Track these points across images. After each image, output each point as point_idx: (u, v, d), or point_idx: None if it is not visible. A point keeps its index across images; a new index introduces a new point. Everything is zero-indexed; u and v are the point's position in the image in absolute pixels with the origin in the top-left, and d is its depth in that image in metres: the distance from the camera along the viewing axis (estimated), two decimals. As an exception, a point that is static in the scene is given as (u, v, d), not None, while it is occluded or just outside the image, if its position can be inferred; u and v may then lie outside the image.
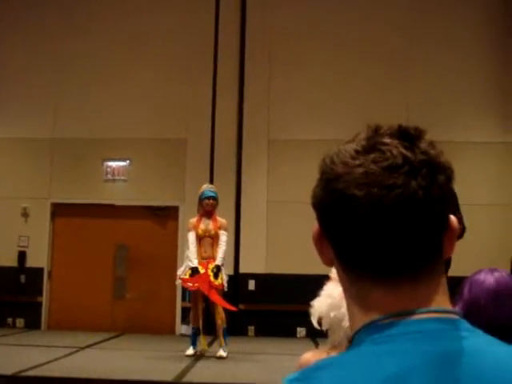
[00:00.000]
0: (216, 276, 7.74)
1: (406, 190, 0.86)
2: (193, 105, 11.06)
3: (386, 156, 0.88)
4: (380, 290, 0.89)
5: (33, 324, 10.82)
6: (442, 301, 0.90)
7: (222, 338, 7.88)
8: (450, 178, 0.93)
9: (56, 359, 7.44)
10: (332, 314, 2.60)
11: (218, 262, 7.82)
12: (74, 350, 8.33)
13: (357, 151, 0.91)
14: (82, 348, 8.57)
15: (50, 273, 11.09)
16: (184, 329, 10.42)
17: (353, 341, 0.91)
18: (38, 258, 11.01)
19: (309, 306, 2.73)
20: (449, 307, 0.91)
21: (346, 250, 0.92)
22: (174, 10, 11.27)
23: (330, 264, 0.97)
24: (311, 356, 2.66)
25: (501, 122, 10.76)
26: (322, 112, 10.84)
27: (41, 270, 11.03)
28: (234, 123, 11.02)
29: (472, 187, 10.22)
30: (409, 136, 0.92)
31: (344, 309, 1.99)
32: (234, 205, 10.69)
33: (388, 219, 0.86)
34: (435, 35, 10.94)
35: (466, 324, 0.89)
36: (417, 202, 0.86)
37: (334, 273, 2.57)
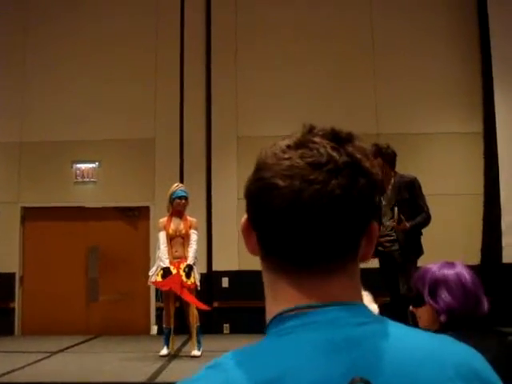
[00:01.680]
0: (188, 275, 7.74)
1: (325, 186, 0.91)
2: (160, 104, 11.04)
3: (313, 153, 0.93)
4: (290, 282, 0.95)
5: (6, 330, 10.70)
6: (349, 296, 0.94)
7: (194, 338, 7.89)
8: (372, 183, 0.95)
9: (29, 364, 7.40)
10: None
11: (190, 261, 7.82)
12: (48, 354, 8.28)
13: (288, 146, 0.97)
14: (56, 352, 8.52)
15: (21, 278, 11.00)
16: (155, 329, 10.44)
17: (265, 331, 0.97)
18: (8, 263, 10.89)
19: None
20: (356, 301, 0.95)
21: (265, 239, 0.97)
22: (140, 10, 11.25)
23: (254, 253, 1.02)
24: None
25: (467, 112, 10.88)
26: (289, 109, 10.86)
27: (12, 275, 10.93)
28: (202, 121, 11.02)
29: (440, 177, 10.35)
30: (339, 138, 0.97)
31: None
32: (205, 203, 10.69)
33: (304, 212, 0.91)
34: (402, 27, 11.03)
35: (367, 312, 0.94)
36: (334, 200, 0.91)
37: None
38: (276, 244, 0.95)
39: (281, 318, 0.94)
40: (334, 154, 0.94)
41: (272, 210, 0.93)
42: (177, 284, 7.68)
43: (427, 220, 6.65)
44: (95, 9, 11.31)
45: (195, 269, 7.89)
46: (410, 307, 2.54)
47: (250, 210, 0.98)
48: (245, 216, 1.01)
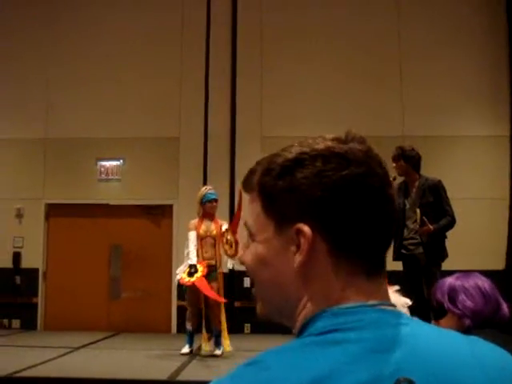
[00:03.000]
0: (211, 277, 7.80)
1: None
2: (185, 103, 11.05)
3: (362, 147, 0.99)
4: (361, 282, 0.94)
5: (29, 325, 10.80)
6: (389, 298, 0.97)
7: (223, 337, 7.88)
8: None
9: (51, 359, 7.44)
10: None
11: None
12: (70, 350, 8.32)
13: (333, 139, 1.01)
14: (78, 348, 8.56)
15: (45, 273, 11.07)
16: (175, 327, 10.48)
17: (304, 329, 0.94)
18: (32, 259, 10.99)
19: None
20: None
21: (346, 237, 0.93)
22: (166, 9, 11.27)
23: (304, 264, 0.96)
24: None
25: (493, 115, 10.78)
26: (314, 109, 10.85)
27: (36, 270, 11.01)
28: (226, 120, 11.02)
29: (466, 181, 10.26)
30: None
31: None
32: (229, 202, 10.68)
33: (390, 198, 0.95)
34: (428, 35, 10.96)
35: (404, 313, 0.95)
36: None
37: None
38: (358, 238, 0.93)
39: (320, 316, 0.93)
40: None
41: (372, 192, 0.93)
42: (201, 282, 7.69)
43: (451, 223, 6.59)
44: (122, 5, 11.35)
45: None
46: (432, 321, 2.56)
47: (331, 208, 0.93)
48: (305, 228, 0.93)
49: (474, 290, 2.41)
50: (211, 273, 7.81)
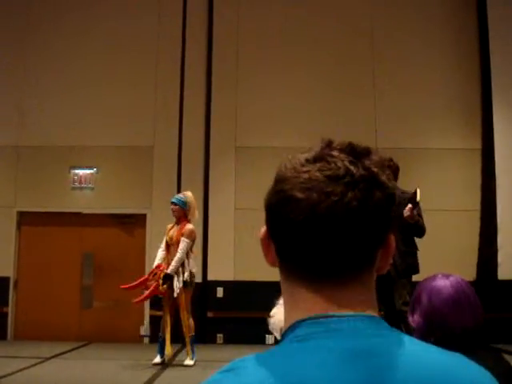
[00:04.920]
0: (163, 283, 7.76)
1: (342, 198, 0.93)
2: (160, 112, 11.05)
3: (331, 166, 0.96)
4: (309, 291, 0.96)
5: (-2, 334, 10.69)
6: (365, 307, 0.97)
7: (188, 347, 7.89)
8: (388, 196, 0.99)
9: (22, 370, 7.37)
10: None
11: (169, 269, 7.77)
12: (41, 360, 8.25)
13: (307, 159, 0.99)
14: (49, 358, 8.49)
15: (15, 282, 10.96)
16: (143, 330, 10.46)
17: (283, 338, 0.97)
18: (3, 268, 10.86)
19: (268, 317, 2.69)
20: (372, 313, 0.97)
21: (284, 250, 0.99)
22: (141, 16, 11.27)
23: (273, 264, 1.02)
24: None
25: (465, 128, 10.91)
26: (289, 119, 10.90)
27: (6, 279, 10.89)
28: (201, 130, 11.03)
29: (437, 193, 10.36)
30: (356, 152, 1.00)
31: None
32: (202, 212, 10.66)
33: (321, 224, 0.93)
34: (404, 45, 11.08)
35: (384, 324, 0.97)
36: (350, 212, 0.93)
37: None
38: (295, 254, 0.97)
39: (300, 324, 0.95)
40: (352, 167, 0.96)
41: (290, 221, 0.95)
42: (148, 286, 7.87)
43: (423, 231, 6.61)
44: (97, 14, 11.32)
45: (176, 278, 7.81)
46: (410, 319, 2.53)
47: (269, 221, 1.00)
48: (264, 227, 1.02)
49: (449, 293, 2.38)
50: (165, 281, 7.78)
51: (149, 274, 8.04)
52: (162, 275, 7.75)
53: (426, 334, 2.38)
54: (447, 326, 2.33)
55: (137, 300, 8.03)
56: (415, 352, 0.92)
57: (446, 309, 2.34)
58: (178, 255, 7.81)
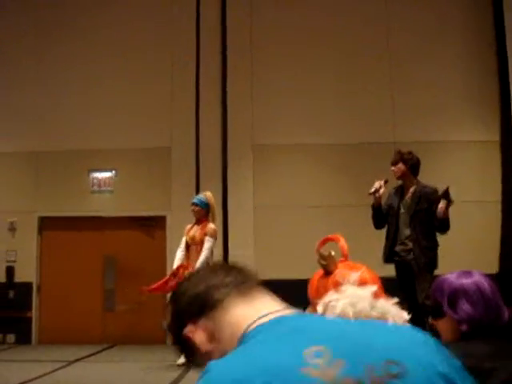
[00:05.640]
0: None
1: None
2: (176, 113, 11.06)
3: None
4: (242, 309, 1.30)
5: (23, 339, 10.75)
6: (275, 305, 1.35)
7: None
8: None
9: (47, 374, 7.41)
10: None
11: (195, 268, 7.75)
12: (65, 363, 8.29)
13: None
14: (73, 361, 8.53)
15: (38, 287, 11.03)
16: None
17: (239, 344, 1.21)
18: (26, 273, 10.94)
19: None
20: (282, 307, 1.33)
21: (207, 304, 1.31)
22: (155, 18, 11.30)
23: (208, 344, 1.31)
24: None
25: (484, 120, 10.82)
26: (305, 116, 10.87)
27: (29, 284, 10.97)
28: (217, 129, 11.03)
29: (457, 185, 10.27)
30: None
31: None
32: (221, 211, 10.67)
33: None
34: (421, 39, 11.01)
35: (296, 312, 1.28)
36: None
37: (341, 277, 2.54)
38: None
39: (248, 332, 1.22)
40: None
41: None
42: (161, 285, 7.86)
43: (448, 227, 6.59)
44: (112, 15, 11.36)
45: None
46: (430, 319, 2.51)
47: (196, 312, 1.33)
48: (197, 334, 1.31)
49: (475, 293, 2.35)
50: None
51: (170, 275, 8.05)
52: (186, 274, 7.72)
53: (453, 331, 2.37)
54: (474, 322, 2.32)
55: (148, 288, 8.02)
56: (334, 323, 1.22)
57: (472, 306, 2.33)
58: (205, 254, 7.82)
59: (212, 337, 1.29)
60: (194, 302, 1.33)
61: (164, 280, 8.04)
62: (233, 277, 1.38)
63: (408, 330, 1.22)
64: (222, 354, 1.19)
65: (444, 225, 6.50)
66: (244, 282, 1.39)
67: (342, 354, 1.07)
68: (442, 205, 6.33)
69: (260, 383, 1.01)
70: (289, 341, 1.11)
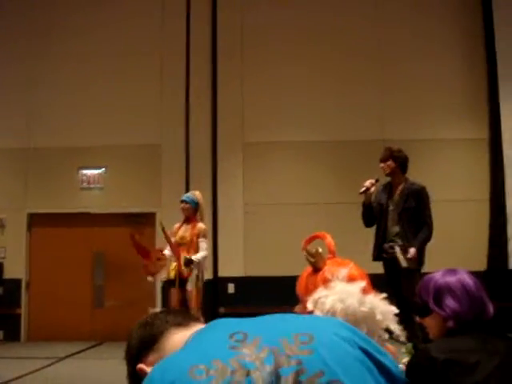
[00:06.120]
0: (186, 265, 7.75)
1: None
2: (166, 110, 11.05)
3: None
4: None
5: (12, 336, 10.73)
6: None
7: None
8: None
9: (37, 370, 7.41)
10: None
11: (194, 257, 7.76)
12: (55, 360, 8.29)
13: None
14: (63, 358, 8.53)
15: (28, 283, 11.01)
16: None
17: None
18: (15, 269, 10.92)
19: (291, 308, 2.68)
20: None
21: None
22: (145, 16, 11.27)
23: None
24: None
25: (472, 118, 10.87)
26: (296, 114, 10.89)
27: (19, 281, 10.95)
28: (208, 127, 11.03)
29: (446, 184, 10.35)
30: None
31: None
32: (211, 209, 10.69)
33: None
34: (410, 37, 11.05)
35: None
36: None
37: (329, 273, 2.56)
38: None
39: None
40: None
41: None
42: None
43: (429, 235, 6.64)
44: (99, 15, 11.33)
45: (196, 266, 7.82)
46: (417, 318, 2.55)
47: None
48: (148, 368, 1.45)
49: (460, 290, 2.39)
50: (187, 263, 7.77)
51: (155, 253, 8.07)
52: (183, 259, 7.72)
53: (440, 328, 2.41)
54: (460, 318, 2.35)
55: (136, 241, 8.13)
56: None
57: (457, 303, 2.37)
58: (205, 253, 7.91)
59: None
60: (140, 346, 1.54)
61: (150, 252, 8.13)
62: (173, 316, 1.60)
63: (328, 318, 1.49)
64: None
65: (422, 246, 6.59)
66: (183, 318, 1.59)
67: (259, 333, 1.30)
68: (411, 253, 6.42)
69: (189, 365, 1.24)
70: (215, 330, 1.40)
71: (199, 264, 7.83)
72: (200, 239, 7.88)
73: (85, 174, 11.15)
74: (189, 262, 7.70)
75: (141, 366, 1.48)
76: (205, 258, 7.91)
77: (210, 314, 8.07)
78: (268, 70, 11.08)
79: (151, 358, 1.49)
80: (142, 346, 1.54)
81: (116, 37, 11.24)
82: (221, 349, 1.26)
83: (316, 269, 2.67)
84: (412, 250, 6.40)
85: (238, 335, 1.30)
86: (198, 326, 1.51)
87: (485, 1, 10.94)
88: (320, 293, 2.14)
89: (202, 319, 1.63)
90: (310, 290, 2.35)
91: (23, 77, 11.24)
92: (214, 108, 11.08)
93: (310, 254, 2.69)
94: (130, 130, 11.01)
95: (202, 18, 11.20)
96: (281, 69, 11.06)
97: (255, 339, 1.28)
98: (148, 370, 1.41)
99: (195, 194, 8.18)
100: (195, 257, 7.74)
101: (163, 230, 7.79)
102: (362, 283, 2.18)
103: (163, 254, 7.96)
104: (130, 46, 11.20)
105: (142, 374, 1.42)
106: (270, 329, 1.33)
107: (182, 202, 8.05)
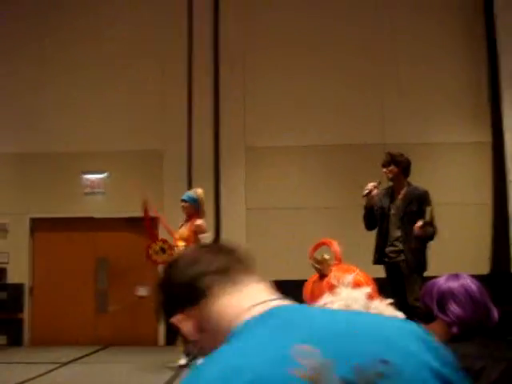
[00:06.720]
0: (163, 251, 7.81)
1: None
2: (169, 115, 11.07)
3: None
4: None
5: (15, 341, 10.74)
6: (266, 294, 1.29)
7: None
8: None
9: (40, 375, 7.41)
10: None
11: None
12: (58, 365, 8.29)
13: None
14: (66, 363, 8.53)
15: (31, 288, 11.02)
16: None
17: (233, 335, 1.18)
18: (18, 274, 10.93)
19: None
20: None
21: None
22: (147, 23, 11.29)
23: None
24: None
25: (474, 122, 10.87)
26: (297, 118, 10.90)
27: (22, 286, 10.96)
28: (210, 132, 11.04)
29: (448, 187, 10.34)
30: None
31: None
32: (214, 213, 10.69)
33: None
34: (411, 41, 11.05)
35: (291, 303, 1.24)
36: None
37: (335, 279, 2.57)
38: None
39: (246, 321, 1.19)
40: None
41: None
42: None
43: (433, 235, 6.62)
44: (105, 20, 11.36)
45: None
46: (422, 324, 2.54)
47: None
48: (185, 323, 1.30)
49: (464, 295, 2.38)
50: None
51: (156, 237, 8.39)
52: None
53: (444, 334, 2.40)
54: (464, 323, 2.35)
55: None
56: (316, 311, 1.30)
57: (461, 308, 2.37)
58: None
59: (199, 326, 1.28)
60: (181, 292, 1.30)
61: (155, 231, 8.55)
62: (222, 261, 1.32)
63: (399, 322, 1.24)
64: (210, 344, 1.22)
65: (428, 238, 6.54)
66: (234, 266, 1.32)
67: (330, 353, 1.04)
68: (418, 224, 6.36)
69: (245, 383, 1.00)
70: (277, 338, 1.08)
71: None
72: (200, 236, 7.85)
73: (88, 179, 11.16)
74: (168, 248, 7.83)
75: (178, 318, 1.30)
76: None
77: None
78: (270, 76, 11.09)
79: (190, 313, 1.28)
80: (181, 295, 1.31)
81: (118, 42, 11.25)
82: (280, 370, 1.02)
83: (322, 275, 2.69)
84: (419, 222, 6.36)
85: (305, 351, 1.05)
86: (251, 287, 1.29)
87: (486, 4, 10.95)
88: (326, 299, 2.15)
89: (252, 271, 1.37)
90: (316, 297, 2.35)
91: (26, 82, 11.26)
92: (216, 113, 11.08)
93: (316, 261, 2.70)
94: (133, 135, 11.02)
95: (204, 27, 11.19)
96: (282, 73, 11.07)
97: (325, 363, 1.04)
98: (184, 328, 1.29)
99: (196, 191, 8.19)
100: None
101: (145, 203, 7.95)
102: (368, 289, 2.18)
103: (168, 244, 8.01)
104: (133, 52, 11.21)
105: (175, 327, 1.31)
106: (343, 346, 1.07)
107: (182, 201, 8.09)
